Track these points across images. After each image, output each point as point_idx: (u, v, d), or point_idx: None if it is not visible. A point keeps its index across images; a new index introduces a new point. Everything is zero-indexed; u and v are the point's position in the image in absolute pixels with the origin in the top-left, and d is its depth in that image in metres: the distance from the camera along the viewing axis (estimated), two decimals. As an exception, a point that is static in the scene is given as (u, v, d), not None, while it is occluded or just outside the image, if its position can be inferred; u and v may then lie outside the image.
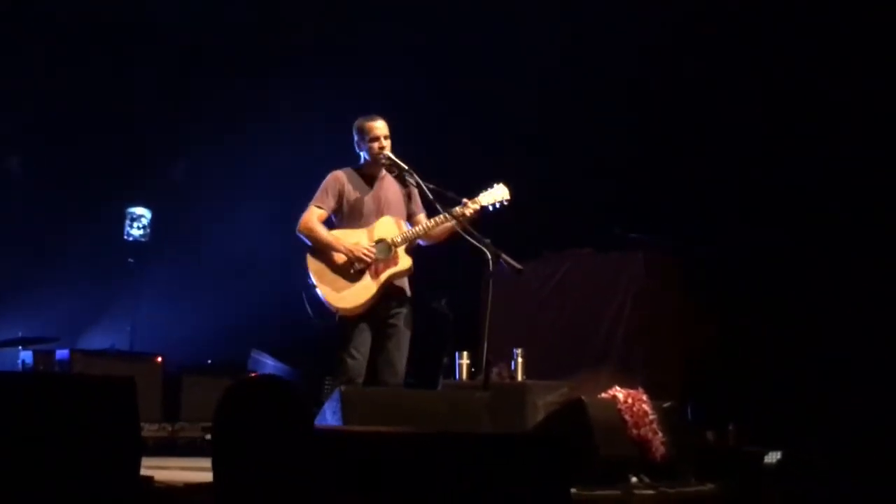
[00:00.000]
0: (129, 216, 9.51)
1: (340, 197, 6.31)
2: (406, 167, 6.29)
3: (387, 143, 6.28)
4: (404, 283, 6.33)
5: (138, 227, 9.54)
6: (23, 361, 8.21)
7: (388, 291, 6.23)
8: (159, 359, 8.43)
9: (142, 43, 9.60)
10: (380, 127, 6.30)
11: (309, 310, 6.17)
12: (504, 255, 6.10)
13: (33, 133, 9.49)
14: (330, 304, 6.12)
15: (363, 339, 6.17)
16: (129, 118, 9.67)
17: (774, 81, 8.76)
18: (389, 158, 6.28)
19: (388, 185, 6.41)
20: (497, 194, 6.37)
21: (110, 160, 9.71)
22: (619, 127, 9.25)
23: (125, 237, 9.50)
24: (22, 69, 9.19)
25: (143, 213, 9.57)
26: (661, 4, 9.02)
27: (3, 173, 9.39)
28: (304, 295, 6.19)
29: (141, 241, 9.55)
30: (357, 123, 6.36)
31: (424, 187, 6.26)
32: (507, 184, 6.42)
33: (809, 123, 8.53)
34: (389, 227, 6.27)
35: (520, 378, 7.44)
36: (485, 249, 6.10)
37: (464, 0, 9.41)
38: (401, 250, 6.23)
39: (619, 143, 9.21)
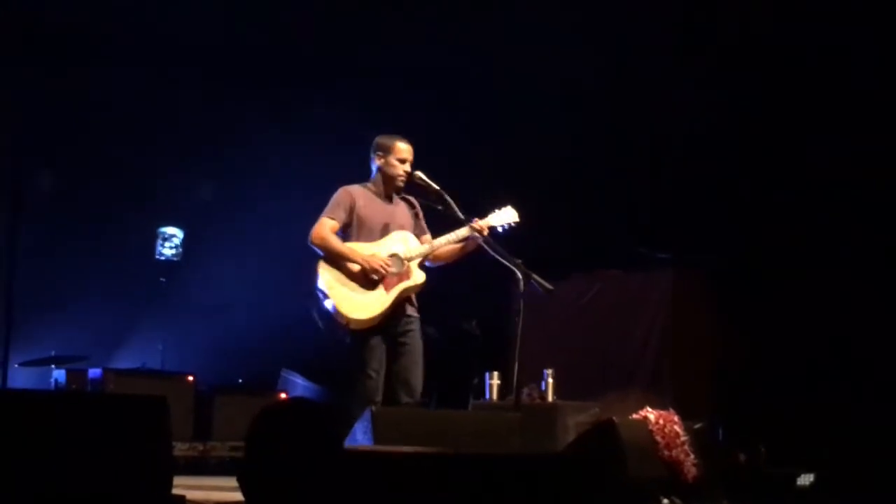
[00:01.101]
0: (160, 236, 9.56)
1: (351, 211, 6.27)
2: (438, 188, 6.29)
3: (409, 168, 6.31)
4: (413, 299, 6.32)
5: (170, 247, 9.59)
6: (55, 380, 8.26)
7: (399, 307, 6.21)
8: (191, 378, 8.45)
9: (175, 63, 9.66)
10: (407, 150, 6.30)
11: (318, 321, 6.13)
12: (535, 276, 6.10)
13: (66, 152, 9.56)
14: (342, 315, 6.05)
15: (379, 357, 6.11)
16: (162, 139, 9.73)
17: (804, 95, 8.71)
18: (422, 178, 6.29)
19: (399, 205, 6.42)
20: (505, 216, 6.37)
21: (142, 180, 9.78)
22: (643, 145, 9.24)
23: (157, 256, 9.56)
24: (57, 87, 9.26)
25: (174, 232, 9.61)
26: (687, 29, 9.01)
27: (36, 192, 9.46)
28: (313, 307, 6.14)
29: (172, 261, 9.60)
30: (383, 140, 6.35)
31: (452, 206, 6.26)
32: (515, 206, 6.43)
33: (842, 138, 8.48)
34: (403, 242, 6.26)
35: (550, 398, 7.43)
36: (515, 269, 6.10)
37: (490, 16, 9.41)
38: (414, 265, 6.21)
39: (644, 160, 9.20)
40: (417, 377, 6.20)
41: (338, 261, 6.15)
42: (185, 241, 9.65)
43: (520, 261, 6.13)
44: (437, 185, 6.31)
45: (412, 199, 6.39)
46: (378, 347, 6.11)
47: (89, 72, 9.39)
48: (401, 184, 6.31)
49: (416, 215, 6.44)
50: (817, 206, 8.51)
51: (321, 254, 6.20)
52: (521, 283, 6.09)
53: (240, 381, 9.09)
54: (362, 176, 6.49)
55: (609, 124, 9.26)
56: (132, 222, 9.66)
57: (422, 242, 6.34)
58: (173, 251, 9.59)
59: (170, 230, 9.62)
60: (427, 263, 6.35)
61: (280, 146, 9.88)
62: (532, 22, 9.29)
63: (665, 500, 6.02)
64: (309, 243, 6.21)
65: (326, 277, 6.10)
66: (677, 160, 9.11)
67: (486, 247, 6.21)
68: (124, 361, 9.16)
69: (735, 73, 8.89)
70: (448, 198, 6.29)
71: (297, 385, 8.94)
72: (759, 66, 8.82)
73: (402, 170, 6.29)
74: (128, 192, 9.75)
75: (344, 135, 9.29)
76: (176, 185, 9.96)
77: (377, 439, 5.24)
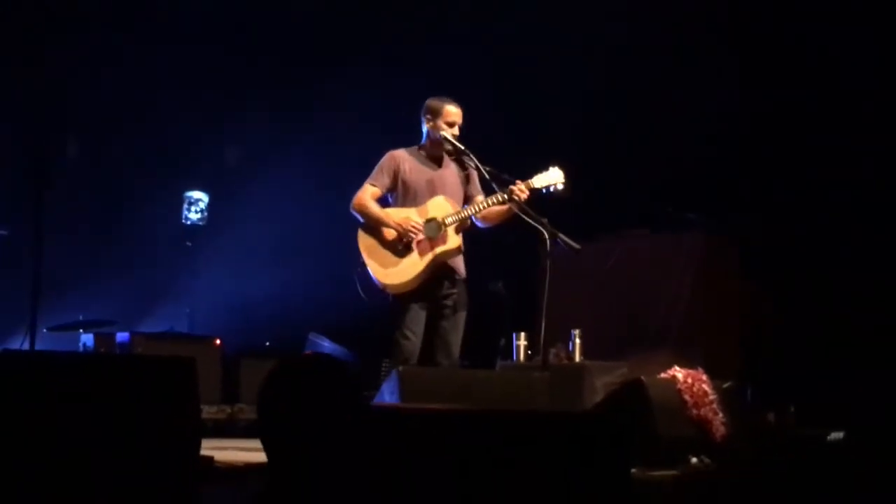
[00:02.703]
0: (186, 200, 9.58)
1: (396, 176, 6.30)
2: (464, 149, 6.27)
3: (457, 132, 6.29)
4: (458, 264, 6.31)
5: (196, 211, 9.60)
6: (84, 344, 8.29)
7: (442, 272, 6.21)
8: (218, 341, 8.49)
9: (196, 29, 9.64)
10: (457, 114, 6.30)
11: (359, 288, 6.18)
12: (561, 235, 6.07)
13: (92, 119, 9.57)
14: (378, 281, 6.12)
15: (417, 320, 6.16)
16: (186, 103, 9.72)
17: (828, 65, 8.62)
18: (448, 140, 6.27)
19: (448, 167, 6.41)
20: (551, 177, 6.33)
21: (168, 145, 9.78)
22: (670, 106, 9.16)
23: (183, 221, 9.58)
24: (81, 55, 9.26)
25: (200, 196, 9.63)
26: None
27: (62, 159, 9.47)
28: (355, 274, 6.20)
29: (198, 225, 9.62)
30: (433, 103, 6.32)
31: (482, 169, 6.25)
32: (562, 167, 6.38)
33: (870, 107, 8.39)
34: (441, 207, 6.25)
35: (578, 359, 7.42)
36: (542, 229, 6.08)
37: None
38: (450, 230, 6.21)
39: (672, 122, 9.12)
40: (456, 340, 6.24)
41: (375, 227, 6.19)
42: (210, 206, 9.67)
43: (546, 220, 6.11)
44: (464, 145, 6.30)
45: (466, 160, 6.36)
46: (417, 310, 6.15)
47: (111, 38, 9.37)
48: (447, 147, 6.30)
49: (466, 177, 6.43)
50: (852, 171, 8.43)
51: (361, 220, 6.23)
52: (548, 243, 6.07)
53: (267, 344, 9.12)
54: (385, 143, 6.49)
55: (640, 82, 9.17)
56: (158, 187, 9.67)
57: (474, 204, 6.33)
58: (199, 215, 9.61)
59: (195, 194, 9.63)
60: (479, 224, 6.35)
61: (306, 109, 9.86)
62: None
63: (694, 459, 6.01)
64: (350, 209, 6.25)
65: (364, 244, 6.19)
66: (706, 120, 9.02)
67: (514, 208, 6.19)
68: (152, 326, 9.18)
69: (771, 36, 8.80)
70: (474, 159, 6.27)
71: (324, 348, 8.96)
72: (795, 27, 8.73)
73: (450, 133, 6.27)
74: (153, 157, 9.76)
75: (371, 101, 9.28)
76: (201, 149, 9.96)
77: (403, 399, 5.25)
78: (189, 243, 9.57)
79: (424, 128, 6.37)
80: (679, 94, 9.13)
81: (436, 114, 6.29)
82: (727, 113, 8.97)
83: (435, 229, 6.18)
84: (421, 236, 6.15)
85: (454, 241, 6.21)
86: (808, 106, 8.72)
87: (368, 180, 6.31)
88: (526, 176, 6.28)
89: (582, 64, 9.28)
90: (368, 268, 6.13)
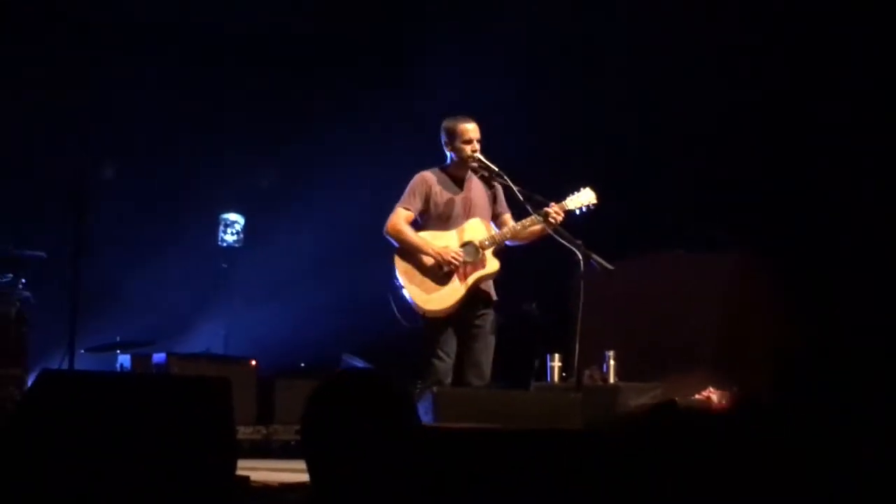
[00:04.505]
0: (222, 222, 9.64)
1: (427, 198, 6.31)
2: (496, 169, 6.29)
3: (478, 146, 6.30)
4: (490, 286, 6.33)
5: (232, 233, 9.65)
6: (121, 365, 8.35)
7: (475, 295, 6.23)
8: (253, 362, 8.52)
9: (234, 52, 9.73)
10: (473, 129, 6.31)
11: (395, 311, 6.20)
12: (595, 256, 6.08)
13: (128, 141, 9.66)
14: (417, 306, 6.14)
15: (450, 342, 6.18)
16: (222, 126, 9.80)
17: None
18: (481, 161, 6.29)
19: (475, 187, 6.42)
20: (584, 198, 6.35)
21: (204, 168, 9.86)
22: (709, 128, 9.14)
23: (219, 243, 9.63)
24: (117, 78, 9.36)
25: (236, 219, 9.68)
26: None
27: (99, 181, 9.56)
28: (390, 296, 6.22)
29: (234, 247, 9.67)
30: (447, 124, 6.36)
31: (515, 190, 6.27)
32: (594, 188, 6.39)
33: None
34: (477, 230, 6.27)
35: (612, 380, 7.41)
36: (576, 250, 6.09)
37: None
38: (488, 253, 6.23)
39: (709, 144, 9.10)
40: (488, 361, 6.25)
41: (412, 252, 6.20)
42: (246, 228, 9.72)
43: (580, 241, 6.12)
44: (498, 166, 6.32)
45: (497, 180, 6.38)
46: (451, 332, 6.17)
47: (148, 60, 9.47)
48: (475, 164, 6.32)
49: (493, 196, 6.44)
50: (888, 192, 8.38)
51: (395, 245, 6.25)
52: (582, 264, 6.08)
53: (301, 364, 9.15)
54: (421, 163, 6.52)
55: (673, 97, 9.16)
56: (194, 209, 9.74)
57: (502, 222, 6.36)
58: (235, 237, 9.66)
59: (231, 216, 9.68)
60: (507, 242, 6.37)
61: (341, 133, 9.90)
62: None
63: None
64: (384, 234, 6.27)
65: (402, 268, 6.21)
66: (739, 138, 8.99)
67: (548, 229, 6.21)
68: (188, 347, 9.23)
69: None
70: (507, 179, 6.29)
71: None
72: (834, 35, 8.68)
73: (469, 150, 6.29)
74: (190, 179, 9.83)
75: (407, 123, 9.31)
76: (237, 171, 10.03)
77: (438, 419, 5.26)
78: (225, 265, 9.62)
79: (445, 150, 6.40)
80: (713, 109, 9.11)
81: (452, 135, 6.32)
82: (758, 129, 8.94)
83: (473, 253, 6.21)
84: (462, 262, 6.18)
85: (493, 264, 6.24)
86: (847, 122, 8.67)
87: (401, 203, 6.32)
88: (557, 196, 6.30)
89: (613, 79, 9.28)
90: (408, 292, 6.15)
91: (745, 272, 8.61)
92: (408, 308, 6.17)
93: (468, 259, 6.18)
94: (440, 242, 6.20)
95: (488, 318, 6.29)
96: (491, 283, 6.33)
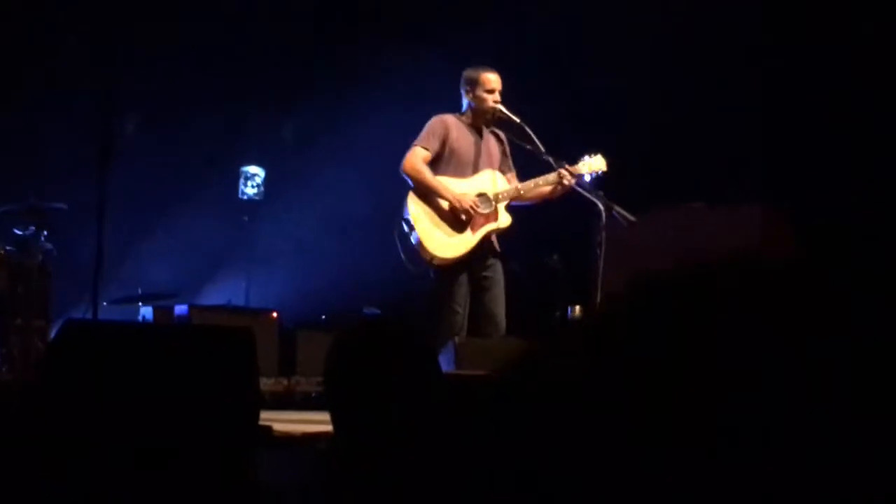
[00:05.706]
0: (243, 175, 9.64)
1: (444, 141, 6.25)
2: (519, 122, 6.26)
3: (499, 98, 6.27)
4: (495, 239, 6.31)
5: (252, 186, 9.66)
6: (143, 317, 8.40)
7: (484, 246, 6.20)
8: (275, 314, 8.55)
9: (251, 6, 9.70)
10: (495, 80, 6.27)
11: (402, 253, 6.12)
12: (617, 208, 6.07)
13: (150, 95, 9.66)
14: (426, 251, 6.06)
15: (463, 294, 6.14)
16: (243, 80, 9.78)
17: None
18: (503, 112, 6.26)
19: (490, 139, 6.39)
20: (595, 164, 6.34)
21: (225, 121, 9.85)
22: (737, 85, 9.05)
23: (240, 196, 9.64)
24: (143, 32, 9.36)
25: (256, 171, 9.68)
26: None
27: (121, 135, 9.57)
28: (396, 236, 6.12)
29: (255, 200, 9.68)
30: (470, 73, 6.32)
31: (538, 144, 6.24)
32: (604, 155, 6.38)
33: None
34: (492, 181, 6.24)
35: (632, 332, 7.40)
36: (597, 202, 6.07)
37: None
38: (501, 206, 6.20)
39: (737, 101, 9.02)
40: (501, 311, 6.23)
41: (428, 194, 6.14)
42: (266, 180, 9.72)
43: (601, 192, 6.10)
44: (519, 119, 6.29)
45: (501, 134, 6.36)
46: (463, 284, 6.13)
47: (169, 13, 9.45)
48: (499, 115, 6.28)
49: (503, 152, 6.41)
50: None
51: (411, 184, 6.19)
52: (603, 216, 6.06)
53: (322, 317, 9.17)
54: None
55: (700, 56, 9.07)
56: (215, 162, 9.75)
57: (508, 180, 6.32)
58: (255, 190, 9.66)
59: (252, 169, 9.68)
60: (512, 202, 6.35)
61: (363, 86, 9.86)
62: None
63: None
64: (400, 172, 6.20)
65: (415, 210, 6.10)
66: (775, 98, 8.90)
67: (576, 187, 6.18)
68: (209, 299, 9.28)
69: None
70: (531, 133, 6.27)
71: (379, 323, 8.99)
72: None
73: (491, 101, 6.25)
74: (210, 132, 9.83)
75: (425, 78, 9.26)
76: (258, 124, 10.02)
77: (459, 369, 5.27)
78: (246, 218, 9.63)
79: (464, 99, 6.36)
80: (746, 67, 9.01)
81: (474, 84, 6.27)
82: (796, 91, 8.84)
83: (487, 204, 6.18)
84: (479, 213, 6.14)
85: (505, 218, 6.21)
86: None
87: (419, 142, 6.23)
88: (570, 156, 6.29)
89: (631, 28, 9.20)
90: (419, 236, 6.08)
91: (768, 225, 8.55)
92: (416, 252, 6.09)
93: (483, 210, 6.14)
94: (458, 189, 6.16)
95: (497, 267, 6.26)
96: (495, 237, 6.29)
